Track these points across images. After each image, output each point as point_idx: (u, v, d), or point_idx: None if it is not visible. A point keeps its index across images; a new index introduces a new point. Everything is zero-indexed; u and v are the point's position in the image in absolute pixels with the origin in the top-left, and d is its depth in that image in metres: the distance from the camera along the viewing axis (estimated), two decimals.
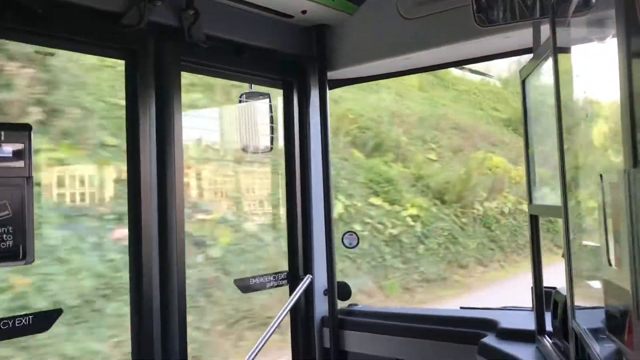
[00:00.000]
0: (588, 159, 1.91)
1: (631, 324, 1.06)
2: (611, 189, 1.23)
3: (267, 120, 3.47)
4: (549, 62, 2.20)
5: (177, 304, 2.82)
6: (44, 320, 2.37)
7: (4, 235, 1.58)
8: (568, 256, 2.04)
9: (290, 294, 3.48)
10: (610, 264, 1.23)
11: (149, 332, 2.74)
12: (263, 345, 3.19)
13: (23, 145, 1.63)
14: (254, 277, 3.32)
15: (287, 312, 3.39)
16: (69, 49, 2.67)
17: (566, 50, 2.10)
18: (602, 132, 1.62)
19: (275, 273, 3.48)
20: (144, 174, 2.75)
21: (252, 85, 3.50)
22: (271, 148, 3.49)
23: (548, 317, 2.60)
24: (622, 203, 1.09)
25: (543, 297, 2.63)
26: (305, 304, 3.57)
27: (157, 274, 2.78)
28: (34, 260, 1.62)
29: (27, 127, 1.66)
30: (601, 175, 1.31)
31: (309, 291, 3.55)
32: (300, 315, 3.56)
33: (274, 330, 3.26)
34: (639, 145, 1.14)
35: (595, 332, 1.74)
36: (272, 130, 3.48)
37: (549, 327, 2.60)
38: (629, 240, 1.05)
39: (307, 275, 3.52)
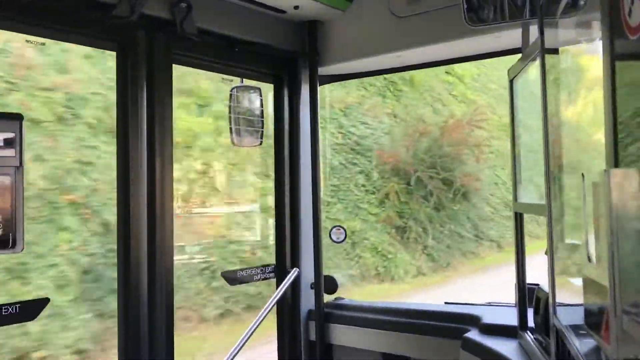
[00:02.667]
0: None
1: (608, 319, 1.10)
2: (592, 188, 1.27)
3: (258, 114, 3.48)
4: (537, 62, 2.24)
5: (164, 300, 2.82)
6: (30, 308, 2.37)
7: None
8: (551, 254, 2.08)
9: (277, 287, 3.50)
10: (590, 261, 1.26)
11: (136, 330, 2.74)
12: (249, 337, 3.21)
13: (14, 134, 1.62)
14: (242, 270, 3.34)
15: (273, 305, 3.41)
16: (60, 39, 2.66)
17: (554, 51, 2.13)
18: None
19: (263, 266, 3.50)
20: (133, 165, 2.75)
21: (243, 80, 3.51)
22: (261, 142, 3.51)
23: (530, 313, 2.64)
24: (602, 202, 1.13)
25: (526, 293, 2.68)
26: (292, 297, 3.59)
27: (145, 269, 2.78)
28: (23, 249, 1.62)
29: (18, 117, 1.66)
30: (583, 175, 1.34)
31: (296, 284, 3.57)
32: (287, 308, 3.59)
33: (260, 323, 3.28)
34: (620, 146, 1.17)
35: (575, 328, 1.78)
36: (262, 124, 3.49)
37: (531, 323, 2.65)
38: (608, 238, 1.08)
39: (294, 269, 3.54)
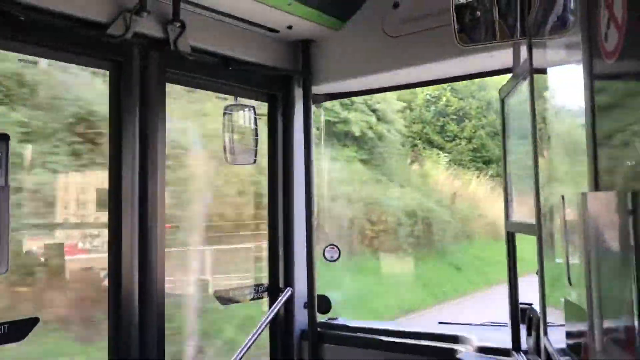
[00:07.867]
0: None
1: (587, 342, 1.09)
2: (570, 209, 1.26)
3: (251, 132, 3.48)
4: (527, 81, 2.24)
5: (155, 309, 2.81)
6: (19, 329, 2.35)
7: None
8: (541, 274, 2.06)
9: (269, 307, 3.48)
10: (570, 283, 1.25)
11: (127, 338, 2.73)
12: (241, 358, 3.18)
13: (0, 155, 1.62)
14: (234, 289, 3.32)
15: (266, 325, 3.39)
16: (53, 57, 2.67)
17: (543, 71, 2.14)
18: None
19: (256, 285, 3.48)
20: (125, 183, 2.75)
21: (237, 98, 3.52)
22: (254, 160, 3.50)
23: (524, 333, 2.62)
24: (580, 225, 1.12)
25: (518, 313, 2.66)
26: (285, 317, 3.57)
27: (136, 280, 2.78)
28: (7, 270, 1.61)
29: (4, 137, 1.66)
30: (562, 196, 1.34)
31: (289, 304, 3.55)
32: (280, 328, 3.56)
33: (252, 343, 3.25)
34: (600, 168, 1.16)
35: (564, 350, 1.76)
36: (256, 142, 3.49)
37: (525, 343, 2.62)
38: (584, 259, 1.07)
39: (288, 288, 3.52)
